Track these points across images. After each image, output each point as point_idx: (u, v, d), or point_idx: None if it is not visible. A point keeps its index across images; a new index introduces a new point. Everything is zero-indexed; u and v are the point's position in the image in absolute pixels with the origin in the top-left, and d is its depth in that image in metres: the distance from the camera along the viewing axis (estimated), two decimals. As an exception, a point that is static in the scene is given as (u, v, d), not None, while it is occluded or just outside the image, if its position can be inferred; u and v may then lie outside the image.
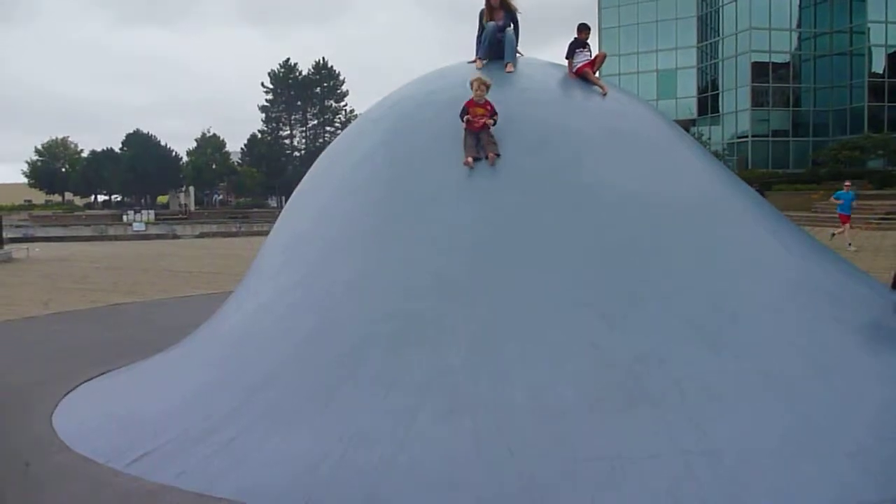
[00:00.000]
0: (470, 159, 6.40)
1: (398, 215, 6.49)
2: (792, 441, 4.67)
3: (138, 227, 38.52)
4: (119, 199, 72.33)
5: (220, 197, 74.57)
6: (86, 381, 7.48)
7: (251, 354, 6.14)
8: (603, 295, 5.61)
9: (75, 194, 69.33)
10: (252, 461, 4.93)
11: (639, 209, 6.20)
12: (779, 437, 4.69)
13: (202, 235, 34.42)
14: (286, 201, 8.56)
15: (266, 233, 8.67)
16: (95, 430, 6.01)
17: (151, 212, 50.89)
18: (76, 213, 55.46)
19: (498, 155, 6.44)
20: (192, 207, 59.35)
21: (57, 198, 71.29)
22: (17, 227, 37.87)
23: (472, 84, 6.59)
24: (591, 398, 5.00)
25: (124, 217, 47.19)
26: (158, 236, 34.63)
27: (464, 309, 5.60)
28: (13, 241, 27.26)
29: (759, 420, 4.81)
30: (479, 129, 6.50)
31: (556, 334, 5.38)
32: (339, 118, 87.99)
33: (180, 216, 51.20)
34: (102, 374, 7.72)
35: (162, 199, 69.68)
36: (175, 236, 34.62)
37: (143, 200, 69.74)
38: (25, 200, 66.57)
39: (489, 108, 6.58)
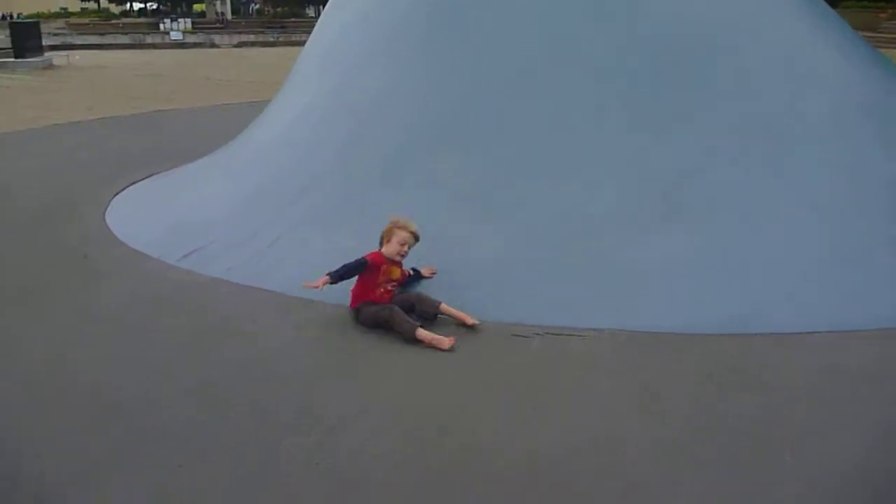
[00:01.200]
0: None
1: (441, 21, 6.23)
2: (825, 263, 4.64)
3: (176, 35, 37.76)
4: (155, 6, 70.65)
5: (257, 6, 72.31)
6: (134, 183, 7.67)
7: (292, 159, 6.20)
8: (651, 109, 5.44)
9: (111, 1, 67.74)
10: (297, 258, 5.10)
11: (693, 22, 5.83)
12: (811, 258, 4.66)
13: (240, 45, 33.78)
14: (323, 11, 8.25)
15: (303, 43, 8.45)
16: (146, 228, 6.23)
17: (188, 20, 49.61)
18: (112, 21, 54.45)
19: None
20: (229, 16, 57.79)
21: (93, 5, 69.80)
22: (55, 34, 37.43)
23: (395, 230, 4.48)
24: (630, 209, 5.00)
25: (161, 25, 46.13)
26: (196, 45, 34.05)
27: (507, 116, 5.50)
28: (52, 48, 27.05)
29: (793, 240, 4.76)
30: (385, 300, 4.37)
31: (600, 145, 5.29)
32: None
33: (217, 25, 49.97)
34: (149, 176, 7.89)
35: (198, 7, 67.78)
36: (213, 45, 34.02)
37: (178, 8, 68.03)
38: (61, 8, 65.38)
39: (405, 275, 4.60)
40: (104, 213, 6.73)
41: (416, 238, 4.50)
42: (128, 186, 7.57)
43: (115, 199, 7.17)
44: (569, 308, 4.41)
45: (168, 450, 3.22)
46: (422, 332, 4.11)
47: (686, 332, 4.16)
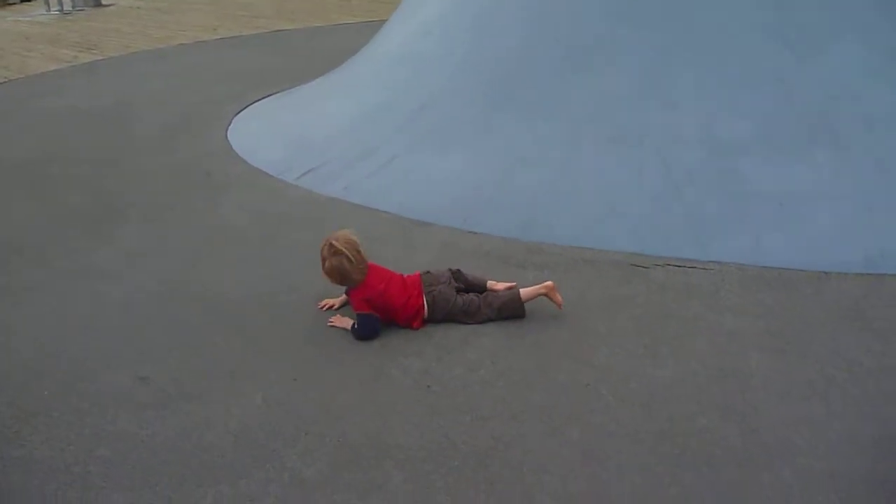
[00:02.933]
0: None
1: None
2: None
3: (296, -45, 37.85)
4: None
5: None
6: (255, 102, 7.79)
7: (410, 78, 6.09)
8: (794, 27, 4.97)
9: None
10: (412, 180, 5.06)
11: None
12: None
13: (359, -35, 33.53)
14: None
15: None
16: (267, 147, 6.33)
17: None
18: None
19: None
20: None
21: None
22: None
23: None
24: (769, 133, 4.64)
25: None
26: (316, -35, 34.09)
27: (635, 34, 5.17)
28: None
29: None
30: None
31: (736, 65, 4.91)
32: None
33: (337, -55, 49.79)
34: (269, 95, 7.99)
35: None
36: (332, -34, 33.95)
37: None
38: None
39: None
40: (226, 131, 6.89)
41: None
42: (249, 105, 7.70)
43: (237, 117, 7.32)
44: (694, 239, 4.18)
45: (287, 362, 3.30)
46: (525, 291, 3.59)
47: (816, 269, 3.86)
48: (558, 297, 3.56)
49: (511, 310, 3.53)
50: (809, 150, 4.53)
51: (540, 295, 3.56)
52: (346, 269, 3.43)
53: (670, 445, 2.70)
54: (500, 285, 3.66)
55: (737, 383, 3.03)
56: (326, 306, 3.71)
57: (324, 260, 3.47)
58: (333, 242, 3.44)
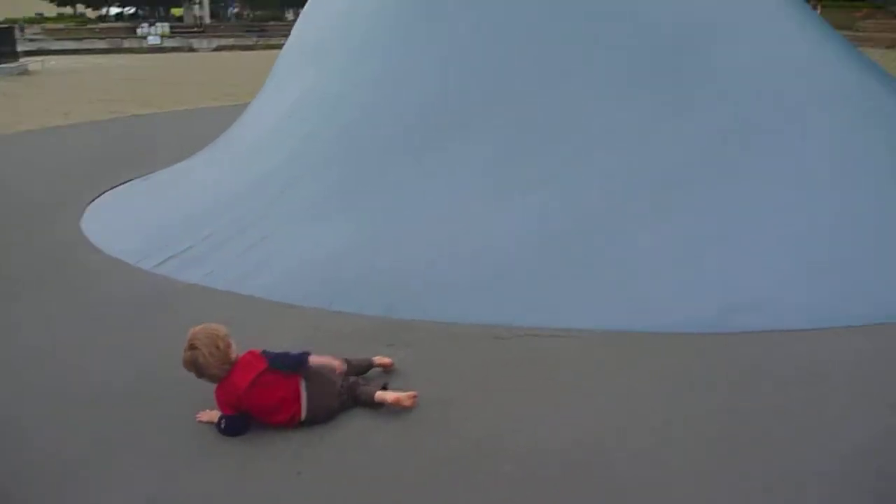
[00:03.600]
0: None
1: (426, 14, 6.19)
2: (810, 261, 4.59)
3: (153, 40, 37.47)
4: (132, 11, 70.09)
5: (236, 10, 71.92)
6: (111, 189, 7.56)
7: (271, 162, 6.13)
8: (637, 109, 5.41)
9: (87, 6, 67.09)
10: (276, 263, 5.04)
11: (676, 24, 5.82)
12: (796, 257, 4.60)
13: (219, 49, 33.58)
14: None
15: (282, 46, 8.38)
16: (123, 234, 6.14)
17: (166, 24, 49.15)
18: (89, 26, 53.93)
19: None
20: (208, 20, 57.42)
21: (68, 10, 69.12)
22: (30, 39, 37.00)
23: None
24: (616, 208, 4.97)
25: (138, 30, 45.68)
26: (174, 49, 33.82)
27: (492, 109, 5.47)
28: (28, 53, 26.73)
29: (778, 237, 4.70)
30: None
31: (588, 139, 5.26)
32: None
33: (196, 29, 49.58)
34: (127, 181, 7.78)
35: (176, 11, 67.28)
36: (191, 49, 33.80)
37: (156, 13, 67.56)
38: (37, 13, 64.64)
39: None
40: (80, 220, 6.62)
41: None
42: (104, 192, 7.46)
43: (91, 205, 7.06)
44: (552, 309, 4.37)
45: (148, 456, 3.16)
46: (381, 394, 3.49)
47: (666, 332, 4.12)
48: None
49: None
50: (653, 222, 4.87)
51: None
52: (200, 364, 3.28)
53: None
54: (390, 396, 3.48)
55: (598, 450, 3.16)
56: (203, 419, 3.44)
57: (183, 351, 3.34)
58: (191, 335, 3.31)
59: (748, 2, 6.21)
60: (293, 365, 3.39)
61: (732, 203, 4.91)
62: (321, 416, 3.38)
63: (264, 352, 3.41)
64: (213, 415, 3.39)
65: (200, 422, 3.40)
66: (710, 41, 5.70)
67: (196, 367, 3.30)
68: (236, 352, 3.35)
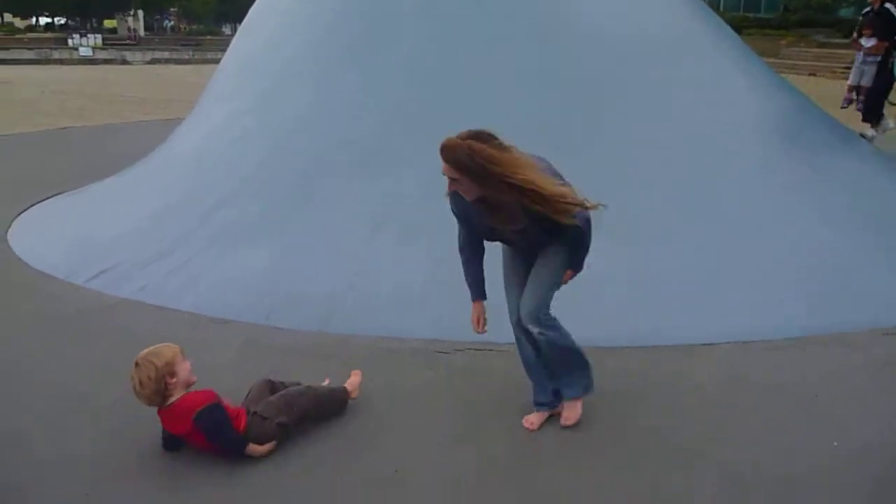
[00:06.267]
0: None
1: (353, 42, 6.25)
2: (726, 275, 4.81)
3: (85, 51, 36.59)
4: (63, 21, 68.27)
5: (172, 23, 70.79)
6: (38, 203, 7.36)
7: (205, 178, 6.09)
8: (565, 131, 5.56)
9: (15, 15, 65.09)
10: (212, 278, 5.00)
11: (605, 46, 6.03)
12: (714, 272, 4.82)
13: (153, 62, 32.99)
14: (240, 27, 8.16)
15: (218, 60, 8.34)
16: (52, 249, 5.98)
17: (99, 36, 47.95)
18: (17, 36, 52.34)
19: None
20: (142, 33, 56.41)
21: (-5, 19, 67.02)
22: (-46, 47, 35.71)
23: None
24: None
25: (70, 41, 44.44)
26: (107, 61, 33.08)
27: (418, 137, 5.52)
28: (-49, 61, 25.80)
29: (699, 255, 4.92)
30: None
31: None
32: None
33: (129, 42, 48.59)
34: (55, 195, 7.59)
35: (109, 23, 65.89)
36: (124, 62, 33.13)
37: (88, 24, 65.98)
38: (-39, 21, 62.49)
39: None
40: (6, 234, 6.43)
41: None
42: (32, 206, 7.26)
43: (18, 218, 6.87)
44: (491, 323, 4.44)
45: (77, 482, 3.09)
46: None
47: (598, 346, 4.24)
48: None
49: (334, 401, 3.54)
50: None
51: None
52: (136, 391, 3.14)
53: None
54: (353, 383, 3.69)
55: (535, 467, 3.23)
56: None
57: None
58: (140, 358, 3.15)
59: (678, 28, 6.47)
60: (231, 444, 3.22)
61: (655, 223, 5.11)
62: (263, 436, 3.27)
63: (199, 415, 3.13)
64: None
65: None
66: (638, 66, 5.92)
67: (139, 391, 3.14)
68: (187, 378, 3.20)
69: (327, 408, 3.53)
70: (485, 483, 3.06)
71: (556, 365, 3.50)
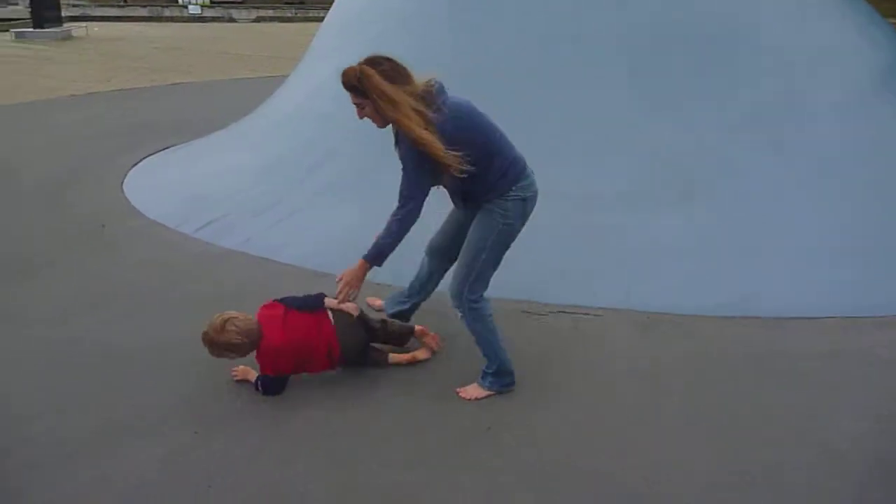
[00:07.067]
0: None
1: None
2: (835, 247, 4.61)
3: (194, 9, 37.62)
4: (173, -21, 70.61)
5: (276, -19, 71.99)
6: (151, 154, 7.72)
7: (308, 134, 6.22)
8: (667, 90, 5.42)
9: (129, -27, 67.72)
10: (313, 232, 5.15)
11: (712, 4, 5.78)
12: (821, 242, 4.63)
13: (258, 20, 33.67)
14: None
15: (322, 19, 8.45)
16: (164, 199, 6.28)
17: (206, -6, 49.35)
18: (131, -7, 54.38)
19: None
20: (247, -9, 57.56)
21: (111, -24, 69.81)
22: (74, 5, 37.41)
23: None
24: (644, 190, 5.00)
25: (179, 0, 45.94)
26: (214, 19, 33.95)
27: (517, 94, 5.48)
28: (72, 19, 27.07)
29: (805, 223, 4.74)
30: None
31: (612, 126, 5.28)
32: None
33: (236, 0, 49.76)
34: (167, 148, 7.94)
35: (216, -19, 67.73)
36: (231, 20, 33.92)
37: (197, -18, 67.94)
38: (80, -22, 65.37)
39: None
40: (122, 184, 6.79)
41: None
42: (146, 157, 7.63)
43: (133, 169, 7.23)
44: (581, 287, 4.43)
45: (186, 414, 3.29)
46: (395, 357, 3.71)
47: (695, 314, 4.16)
48: (430, 340, 3.75)
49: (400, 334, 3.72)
50: (680, 203, 4.90)
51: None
52: (235, 344, 3.29)
53: (569, 486, 2.84)
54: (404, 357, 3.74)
55: (631, 421, 3.23)
56: (238, 376, 3.57)
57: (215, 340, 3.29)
58: (214, 326, 3.28)
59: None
60: (312, 304, 3.48)
61: (760, 187, 4.93)
62: (353, 353, 3.50)
63: (277, 299, 3.48)
64: (250, 373, 3.50)
65: (236, 379, 3.52)
66: (744, 23, 5.66)
67: (233, 348, 3.31)
68: (250, 316, 3.36)
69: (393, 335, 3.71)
70: (574, 437, 3.09)
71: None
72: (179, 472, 2.91)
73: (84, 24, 26.01)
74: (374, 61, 3.04)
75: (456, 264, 3.35)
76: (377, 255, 3.23)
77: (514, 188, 3.23)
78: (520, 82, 5.56)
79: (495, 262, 3.31)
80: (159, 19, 33.35)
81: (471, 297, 3.27)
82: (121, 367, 3.70)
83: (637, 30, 5.61)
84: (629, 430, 3.17)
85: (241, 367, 3.55)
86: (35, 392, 3.48)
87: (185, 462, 2.97)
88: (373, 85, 2.99)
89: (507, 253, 3.26)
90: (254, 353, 3.40)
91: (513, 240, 3.32)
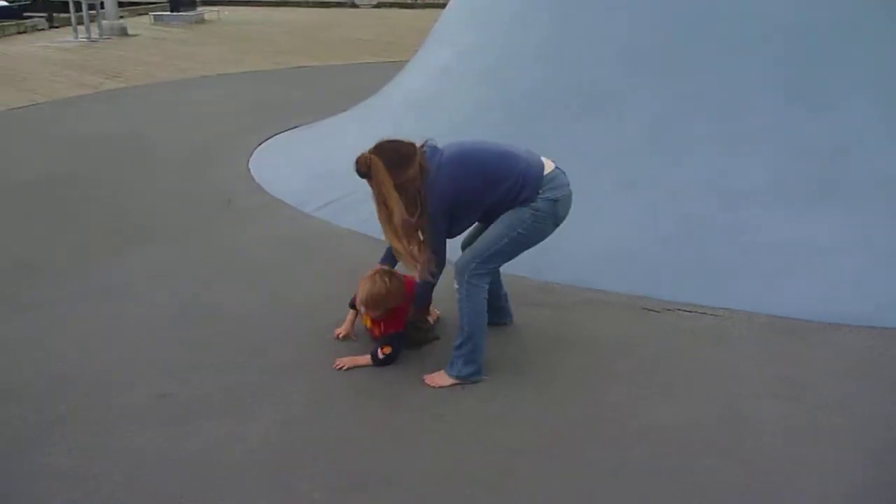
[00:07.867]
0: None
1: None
2: None
3: (318, -5, 38.62)
4: (299, -34, 72.66)
5: (397, -32, 72.91)
6: (276, 134, 7.97)
7: (428, 117, 6.23)
8: (807, 83, 5.11)
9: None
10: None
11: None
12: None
13: (379, 6, 34.20)
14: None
15: (443, 5, 8.47)
16: (287, 178, 6.48)
17: (330, -20, 50.53)
18: (260, -21, 56.36)
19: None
20: (370, -22, 58.63)
21: (242, -38, 72.58)
22: (207, -11, 39.10)
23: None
24: (779, 187, 4.75)
25: (305, -16, 47.22)
26: (338, 4, 34.71)
27: (650, 84, 5.32)
28: (205, 3, 28.31)
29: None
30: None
31: (749, 118, 5.04)
32: None
33: (358, -14, 50.70)
34: (291, 128, 8.17)
35: (340, -32, 69.20)
36: (353, 5, 34.62)
37: (322, -32, 69.69)
38: (213, -36, 68.34)
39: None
40: (248, 161, 7.05)
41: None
42: (271, 137, 7.88)
43: (258, 148, 7.49)
44: (704, 285, 4.26)
45: (303, 386, 3.39)
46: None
47: (827, 321, 3.92)
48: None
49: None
50: (820, 202, 4.63)
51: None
52: (388, 298, 3.54)
53: (677, 484, 2.75)
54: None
55: (745, 427, 3.09)
56: (342, 334, 3.78)
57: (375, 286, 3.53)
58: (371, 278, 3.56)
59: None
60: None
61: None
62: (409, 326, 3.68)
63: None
64: (360, 360, 3.57)
65: (342, 368, 3.55)
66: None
67: (383, 300, 3.54)
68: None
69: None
70: (685, 437, 2.98)
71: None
72: (292, 442, 3.00)
73: (216, 8, 27.13)
74: (378, 148, 3.24)
75: (475, 242, 3.40)
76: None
77: (539, 193, 3.28)
78: (651, 75, 5.38)
79: (510, 255, 3.36)
80: (285, 4, 34.38)
81: (476, 271, 3.31)
82: (242, 337, 3.84)
83: (777, 26, 5.31)
84: (749, 438, 3.03)
85: (349, 358, 3.59)
86: (167, 355, 3.66)
87: (297, 433, 3.06)
88: (378, 180, 3.21)
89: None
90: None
91: (537, 241, 3.38)
